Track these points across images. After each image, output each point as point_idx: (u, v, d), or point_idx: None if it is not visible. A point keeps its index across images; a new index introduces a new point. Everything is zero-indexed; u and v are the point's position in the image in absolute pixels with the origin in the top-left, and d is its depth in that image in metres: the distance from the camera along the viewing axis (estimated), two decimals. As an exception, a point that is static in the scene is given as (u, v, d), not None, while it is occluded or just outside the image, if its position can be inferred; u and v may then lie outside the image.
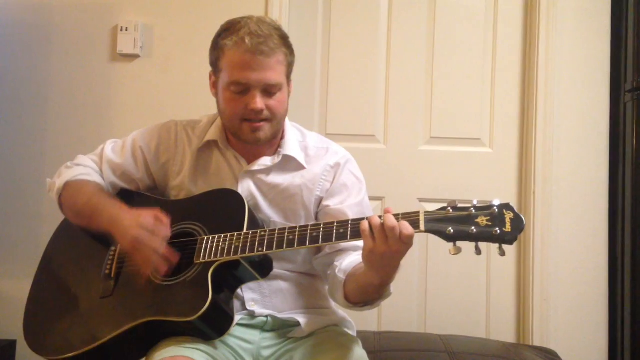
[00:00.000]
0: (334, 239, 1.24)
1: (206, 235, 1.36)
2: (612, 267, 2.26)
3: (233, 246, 1.30)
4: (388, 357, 1.77)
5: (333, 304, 1.55)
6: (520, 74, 2.37)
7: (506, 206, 1.15)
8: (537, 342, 2.20)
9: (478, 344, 2.00)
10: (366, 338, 1.50)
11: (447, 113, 2.39)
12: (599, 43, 2.29)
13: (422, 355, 1.81)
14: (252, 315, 1.44)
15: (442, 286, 2.34)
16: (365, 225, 1.17)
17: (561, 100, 2.28)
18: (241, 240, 1.31)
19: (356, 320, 1.58)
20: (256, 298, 1.45)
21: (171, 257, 1.32)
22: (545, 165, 2.27)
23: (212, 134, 1.51)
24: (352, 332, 1.53)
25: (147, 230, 1.31)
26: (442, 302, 2.34)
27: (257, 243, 1.29)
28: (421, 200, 2.36)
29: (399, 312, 2.30)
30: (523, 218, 1.14)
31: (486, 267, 2.33)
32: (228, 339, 1.37)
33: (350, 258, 1.41)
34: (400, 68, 2.41)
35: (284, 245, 1.27)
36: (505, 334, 2.31)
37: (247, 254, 1.29)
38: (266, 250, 1.29)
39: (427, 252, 2.34)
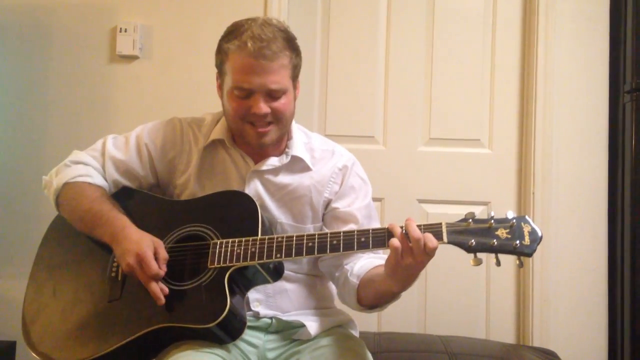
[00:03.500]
0: (355, 247, 1.24)
1: (217, 238, 1.33)
2: (611, 268, 2.26)
3: (249, 252, 1.29)
4: (388, 358, 1.77)
5: (336, 303, 1.55)
6: (519, 75, 2.37)
7: (523, 219, 1.19)
8: (536, 343, 2.20)
9: (478, 344, 2.00)
10: (366, 339, 1.50)
11: (446, 114, 2.39)
12: (597, 44, 2.29)
13: (422, 356, 1.81)
14: (256, 316, 1.43)
15: (442, 287, 2.34)
16: (395, 242, 1.18)
17: (560, 102, 2.28)
18: (257, 246, 1.29)
19: (356, 321, 1.59)
20: (260, 298, 1.44)
21: (157, 299, 1.26)
22: (545, 166, 2.27)
23: (218, 132, 1.49)
24: (356, 333, 1.54)
25: (140, 263, 1.27)
26: (442, 303, 2.34)
27: (274, 249, 1.28)
28: (420, 201, 2.36)
29: (399, 312, 2.30)
30: (539, 231, 1.18)
31: (486, 268, 2.33)
32: (238, 341, 1.35)
33: (361, 262, 1.41)
34: (399, 69, 2.41)
35: (304, 253, 1.27)
36: (505, 334, 2.30)
37: (265, 260, 1.28)
38: (285, 257, 1.28)
39: (426, 253, 2.34)
